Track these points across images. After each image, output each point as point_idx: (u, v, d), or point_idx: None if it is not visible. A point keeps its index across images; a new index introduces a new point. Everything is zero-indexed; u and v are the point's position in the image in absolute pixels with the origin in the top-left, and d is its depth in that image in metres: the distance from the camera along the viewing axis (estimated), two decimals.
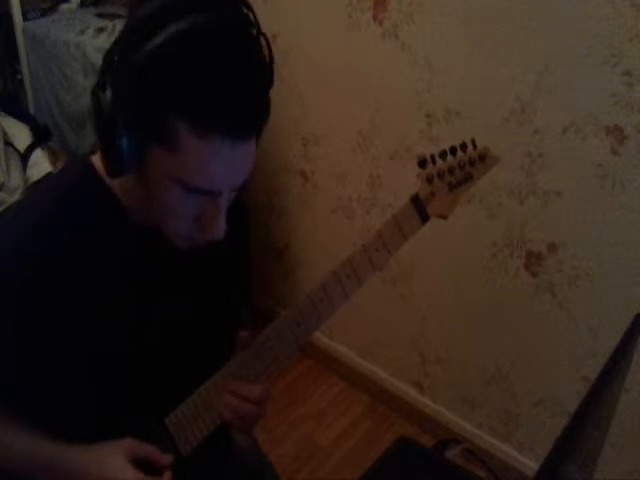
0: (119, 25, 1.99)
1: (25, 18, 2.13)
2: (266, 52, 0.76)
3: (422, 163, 0.84)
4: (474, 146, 0.88)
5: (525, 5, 1.42)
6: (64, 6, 2.26)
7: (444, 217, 0.87)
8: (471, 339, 1.85)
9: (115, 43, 0.73)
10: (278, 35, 1.94)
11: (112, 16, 2.12)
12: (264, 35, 0.76)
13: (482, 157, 0.88)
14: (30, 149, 1.95)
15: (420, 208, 0.85)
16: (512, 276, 1.68)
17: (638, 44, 1.30)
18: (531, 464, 1.84)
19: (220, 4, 0.71)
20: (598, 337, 1.58)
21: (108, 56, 0.73)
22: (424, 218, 0.85)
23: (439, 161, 0.84)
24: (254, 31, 0.75)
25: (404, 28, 1.64)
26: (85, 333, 0.86)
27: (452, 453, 1.90)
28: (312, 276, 2.20)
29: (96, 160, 0.86)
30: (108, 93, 0.71)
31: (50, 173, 1.94)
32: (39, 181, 1.91)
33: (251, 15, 0.75)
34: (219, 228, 0.78)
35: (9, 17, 2.11)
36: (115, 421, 0.89)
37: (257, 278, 2.33)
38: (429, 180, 0.84)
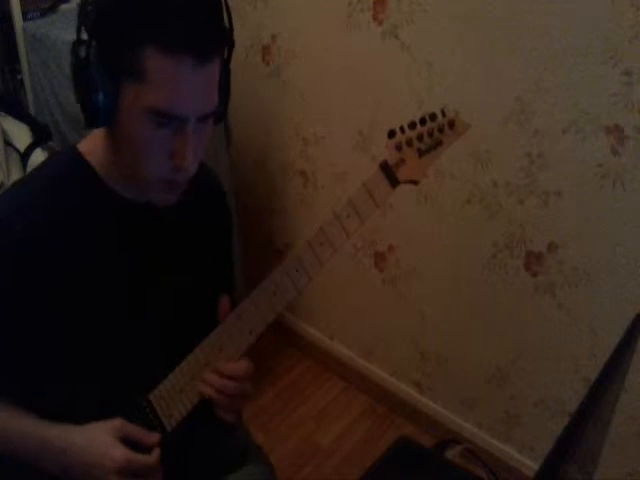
0: None
1: (25, 18, 2.12)
2: None
3: (391, 134, 0.86)
4: (443, 114, 0.90)
5: (525, 5, 1.42)
6: (64, 6, 2.26)
7: (415, 182, 0.88)
8: (471, 339, 1.85)
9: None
10: (278, 35, 1.94)
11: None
12: None
13: (451, 124, 0.90)
14: (30, 149, 1.95)
15: (389, 174, 0.86)
16: (512, 276, 1.68)
17: (638, 44, 1.30)
18: (531, 464, 1.84)
19: None
20: (598, 337, 1.58)
21: (81, 11, 0.79)
22: (394, 183, 0.87)
23: (408, 131, 0.87)
24: None
25: (404, 28, 1.64)
26: (74, 312, 0.88)
27: (452, 453, 1.90)
28: None
29: (82, 145, 0.92)
30: (83, 48, 0.79)
31: None
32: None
33: None
34: (189, 159, 0.82)
35: (9, 17, 2.11)
36: (100, 399, 0.92)
37: (257, 278, 2.33)
38: (398, 148, 0.86)
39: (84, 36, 0.79)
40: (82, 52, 0.79)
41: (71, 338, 0.89)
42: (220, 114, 0.87)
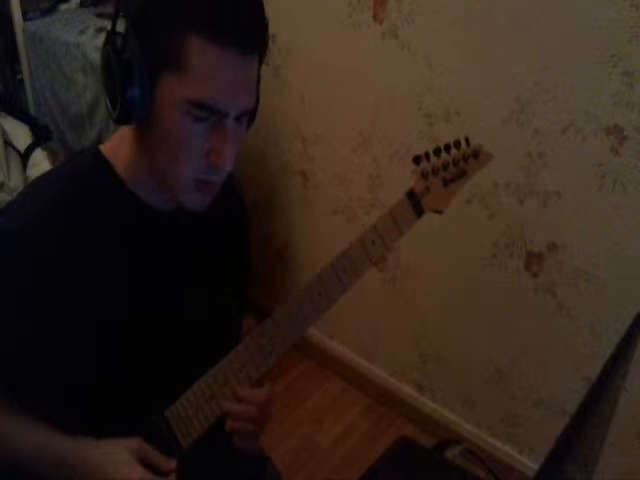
0: None
1: (25, 18, 2.13)
2: None
3: (417, 159, 0.85)
4: (467, 143, 0.90)
5: (525, 5, 1.42)
6: (64, 6, 2.26)
7: (439, 212, 0.89)
8: (471, 339, 1.85)
9: None
10: (278, 35, 1.94)
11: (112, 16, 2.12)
12: None
13: (475, 153, 0.90)
14: (30, 149, 1.95)
15: (415, 203, 0.86)
16: (512, 276, 1.68)
17: (638, 44, 1.30)
18: (531, 464, 1.84)
19: None
20: (598, 337, 1.58)
21: (117, 4, 0.78)
22: (419, 212, 0.86)
23: (433, 158, 0.86)
24: None
25: (404, 28, 1.65)
26: (90, 317, 0.86)
27: (452, 453, 1.90)
28: None
29: (105, 147, 0.89)
30: (118, 40, 0.76)
31: None
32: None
33: None
34: (227, 157, 0.80)
35: (9, 17, 2.11)
36: (116, 413, 0.89)
37: (257, 278, 2.33)
38: (424, 176, 0.86)
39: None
40: (118, 43, 0.76)
41: (85, 346, 0.87)
42: (253, 115, 0.86)
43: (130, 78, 0.75)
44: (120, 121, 0.79)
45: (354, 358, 2.20)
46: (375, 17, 1.69)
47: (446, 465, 1.38)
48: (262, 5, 0.79)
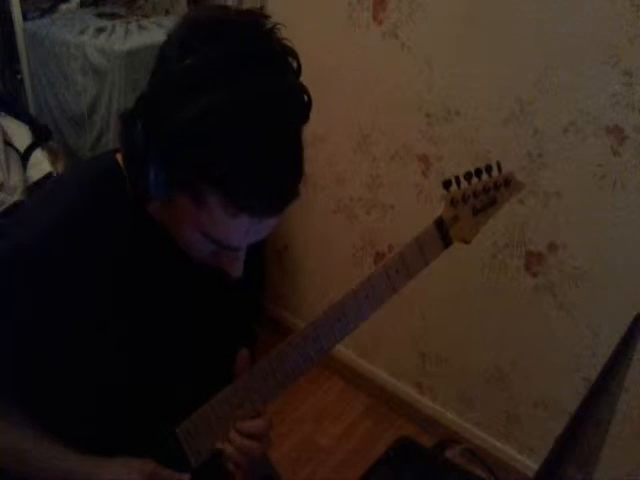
0: (119, 25, 1.99)
1: (25, 18, 2.12)
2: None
3: (446, 184, 0.82)
4: (499, 169, 0.86)
5: (525, 5, 1.42)
6: (64, 6, 2.26)
7: (467, 242, 0.86)
8: (471, 339, 1.85)
9: (157, 80, 0.70)
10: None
11: (112, 16, 2.12)
12: (309, 98, 0.73)
13: (507, 182, 0.87)
14: (30, 149, 1.94)
15: (443, 232, 0.83)
16: (512, 276, 1.68)
17: (638, 44, 1.30)
18: (531, 464, 1.84)
19: (269, 69, 0.71)
20: (598, 337, 1.58)
21: (150, 92, 0.70)
22: (447, 242, 0.84)
23: (463, 183, 0.83)
24: (303, 102, 0.73)
25: (404, 28, 1.64)
26: (99, 332, 0.84)
27: (452, 453, 1.90)
28: (312, 277, 2.20)
29: (122, 157, 0.85)
30: (140, 127, 0.69)
31: (50, 173, 1.94)
32: (49, 178, 1.91)
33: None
34: (237, 270, 0.80)
35: (9, 17, 2.11)
36: (126, 430, 0.88)
37: None
38: (453, 203, 0.83)
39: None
40: (138, 131, 0.68)
41: (90, 361, 0.85)
42: None
43: (148, 176, 0.70)
44: (136, 197, 0.76)
45: (354, 358, 2.20)
46: (375, 17, 1.69)
47: (446, 465, 1.38)
48: (300, 175, 0.72)
